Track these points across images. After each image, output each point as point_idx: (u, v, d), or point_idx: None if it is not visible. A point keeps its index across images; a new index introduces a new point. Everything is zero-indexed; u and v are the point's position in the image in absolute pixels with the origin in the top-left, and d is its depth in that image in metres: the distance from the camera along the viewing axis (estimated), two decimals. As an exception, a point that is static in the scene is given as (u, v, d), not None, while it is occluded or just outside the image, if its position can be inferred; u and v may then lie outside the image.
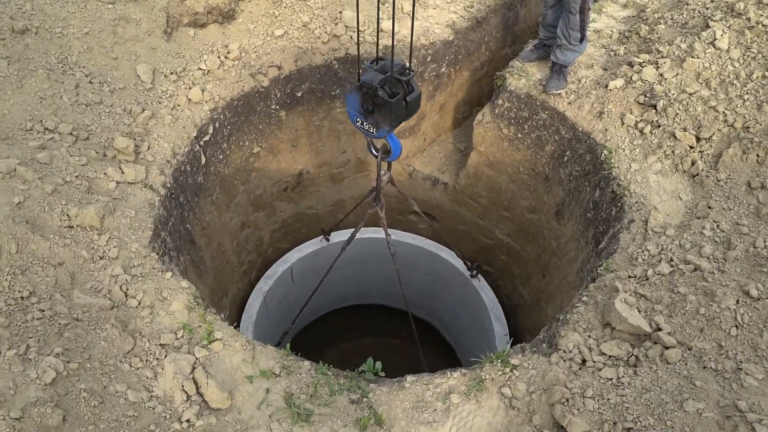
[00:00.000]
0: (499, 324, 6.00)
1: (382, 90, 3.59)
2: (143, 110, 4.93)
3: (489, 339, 6.03)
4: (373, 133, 3.89)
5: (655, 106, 4.94)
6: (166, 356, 3.43)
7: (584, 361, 3.49)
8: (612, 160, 4.87)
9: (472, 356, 6.99)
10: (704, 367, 3.30)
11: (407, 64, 3.73)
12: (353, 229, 5.34)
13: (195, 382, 3.33)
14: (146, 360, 3.40)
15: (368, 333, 8.14)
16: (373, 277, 6.79)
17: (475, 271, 6.41)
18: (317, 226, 7.42)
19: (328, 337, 7.80)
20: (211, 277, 5.86)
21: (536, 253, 6.36)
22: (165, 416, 3.18)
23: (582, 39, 5.29)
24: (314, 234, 7.44)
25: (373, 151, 4.36)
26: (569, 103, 5.43)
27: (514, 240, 6.69)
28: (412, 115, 3.80)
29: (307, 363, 3.63)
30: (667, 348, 3.38)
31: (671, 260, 3.93)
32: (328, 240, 6.53)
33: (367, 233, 5.86)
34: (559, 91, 5.50)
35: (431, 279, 7.02)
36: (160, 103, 5.08)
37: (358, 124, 3.92)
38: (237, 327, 6.29)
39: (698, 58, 5.00)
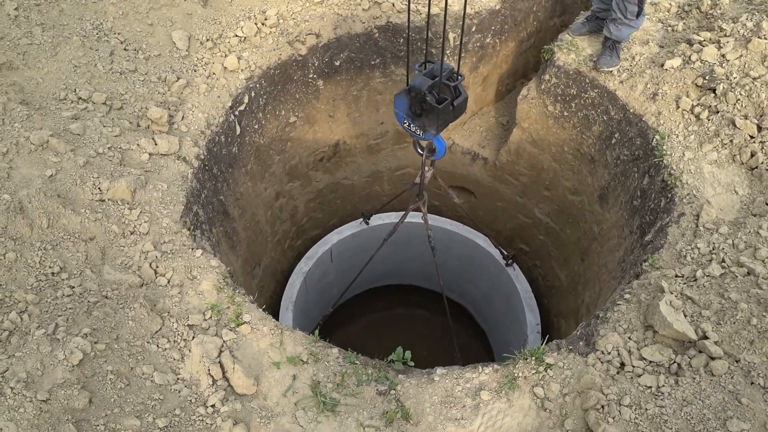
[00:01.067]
0: (532, 314, 6.01)
1: (430, 95, 3.59)
2: (178, 79, 4.84)
3: (521, 327, 6.03)
4: (419, 135, 3.90)
5: (714, 90, 4.62)
6: (193, 338, 3.40)
7: (623, 365, 3.33)
8: (664, 147, 4.59)
9: (504, 341, 7.07)
10: (752, 383, 3.10)
11: (455, 67, 3.66)
12: (394, 213, 5.55)
13: (221, 366, 3.30)
14: (174, 341, 3.38)
15: (403, 307, 8.24)
16: (410, 259, 6.80)
17: (510, 260, 6.36)
18: (353, 197, 7.34)
19: (362, 311, 7.90)
20: (244, 247, 5.83)
21: (576, 236, 6.15)
22: (190, 400, 3.16)
23: (639, 13, 4.94)
24: (350, 205, 7.39)
25: (419, 150, 4.33)
26: (621, 82, 5.13)
27: (554, 221, 6.48)
28: (458, 117, 3.80)
29: (335, 350, 3.56)
30: (713, 359, 3.19)
31: (723, 261, 3.70)
32: (367, 223, 6.60)
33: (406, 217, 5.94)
34: (610, 69, 5.19)
35: (465, 263, 7.01)
36: (195, 71, 4.98)
37: (405, 125, 3.92)
38: (272, 301, 6.44)
39: (765, 38, 4.63)
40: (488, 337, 7.71)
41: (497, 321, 7.22)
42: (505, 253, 6.39)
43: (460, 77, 3.63)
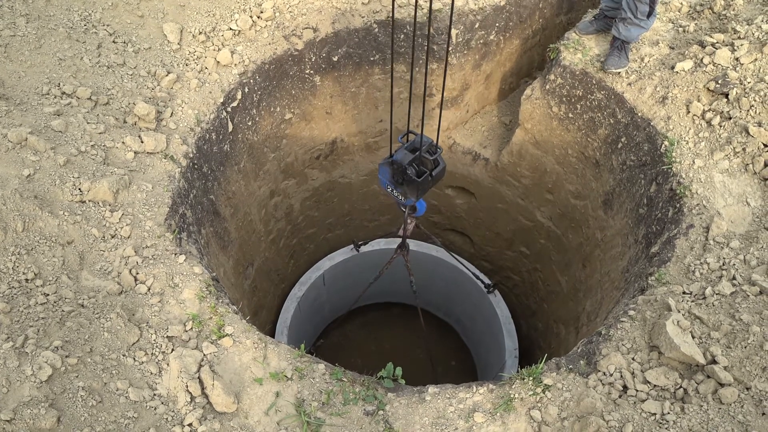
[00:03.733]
0: (510, 340, 6.45)
1: (410, 168, 3.83)
2: (168, 73, 4.65)
3: (500, 349, 6.58)
4: (401, 200, 4.14)
5: (727, 95, 4.41)
6: (172, 351, 3.23)
7: (626, 388, 3.15)
8: (673, 153, 4.39)
9: (485, 358, 7.35)
10: (763, 414, 2.91)
11: (435, 141, 3.93)
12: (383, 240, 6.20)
13: (200, 382, 3.13)
14: (151, 353, 3.20)
15: (399, 307, 8.31)
16: (397, 280, 6.97)
17: (491, 289, 6.75)
18: (350, 196, 7.17)
19: (360, 310, 8.05)
20: (236, 247, 5.66)
21: (578, 242, 5.96)
22: (166, 418, 2.99)
23: (650, 14, 4.72)
24: (347, 204, 7.26)
25: (401, 207, 4.49)
26: (629, 84, 4.92)
27: (556, 224, 6.29)
28: (436, 184, 4.05)
29: (321, 366, 3.38)
30: (721, 385, 3.00)
31: (734, 278, 3.50)
32: (358, 250, 6.98)
33: (392, 244, 6.58)
34: (618, 70, 4.97)
35: (450, 285, 7.38)
36: (186, 65, 4.80)
37: (388, 190, 4.14)
38: (266, 300, 6.42)
39: (782, 41, 4.42)
40: (472, 353, 8.09)
41: (479, 340, 7.66)
42: (486, 282, 6.75)
43: (438, 149, 3.88)
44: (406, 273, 5.29)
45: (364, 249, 7.00)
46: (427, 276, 7.18)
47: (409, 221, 4.79)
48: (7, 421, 2.68)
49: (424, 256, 6.90)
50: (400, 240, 5.16)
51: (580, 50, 5.29)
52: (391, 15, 5.50)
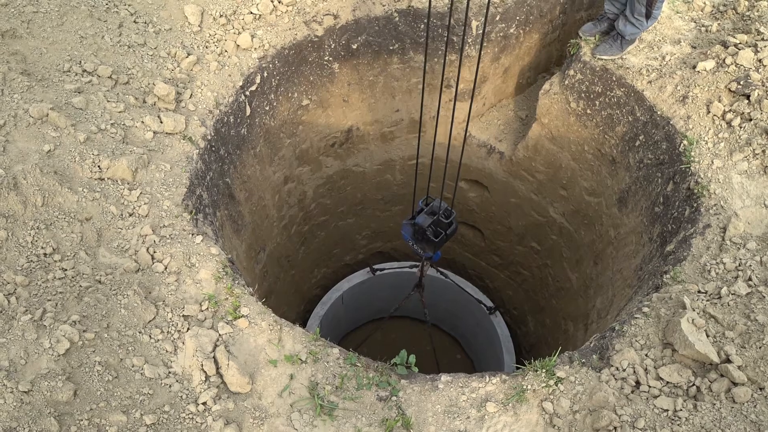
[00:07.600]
0: (510, 356, 7.09)
1: (429, 230, 4.49)
2: (188, 55, 4.65)
3: (499, 364, 7.15)
4: (421, 252, 4.77)
5: (748, 96, 4.37)
6: (188, 330, 3.25)
7: (638, 383, 3.15)
8: (692, 153, 4.37)
9: (487, 369, 7.60)
10: (777, 414, 2.92)
11: (450, 207, 4.59)
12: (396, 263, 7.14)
13: (216, 362, 3.15)
14: (167, 332, 3.22)
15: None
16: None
17: (492, 311, 7.34)
18: (363, 185, 7.18)
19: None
20: (250, 231, 5.68)
21: (590, 239, 5.95)
22: (181, 396, 3.01)
23: (648, 16, 4.73)
24: (360, 193, 7.28)
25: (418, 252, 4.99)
26: (649, 82, 4.89)
27: (569, 221, 6.28)
28: (450, 238, 4.66)
29: (336, 350, 3.39)
30: (735, 384, 3.00)
31: (750, 279, 3.49)
32: (374, 274, 7.44)
33: (405, 267, 7.25)
34: (604, 57, 5.07)
35: (455, 304, 7.99)
36: (206, 48, 4.80)
37: (410, 244, 4.76)
38: (276, 286, 6.49)
39: (807, 44, 4.38)
40: (474, 364, 8.68)
41: (481, 353, 8.36)
42: (488, 305, 7.38)
43: (453, 213, 4.53)
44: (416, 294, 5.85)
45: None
46: (434, 294, 7.65)
47: (425, 263, 5.30)
48: (25, 392, 2.71)
49: (433, 278, 7.25)
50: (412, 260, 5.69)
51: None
52: (409, 3, 5.49)
